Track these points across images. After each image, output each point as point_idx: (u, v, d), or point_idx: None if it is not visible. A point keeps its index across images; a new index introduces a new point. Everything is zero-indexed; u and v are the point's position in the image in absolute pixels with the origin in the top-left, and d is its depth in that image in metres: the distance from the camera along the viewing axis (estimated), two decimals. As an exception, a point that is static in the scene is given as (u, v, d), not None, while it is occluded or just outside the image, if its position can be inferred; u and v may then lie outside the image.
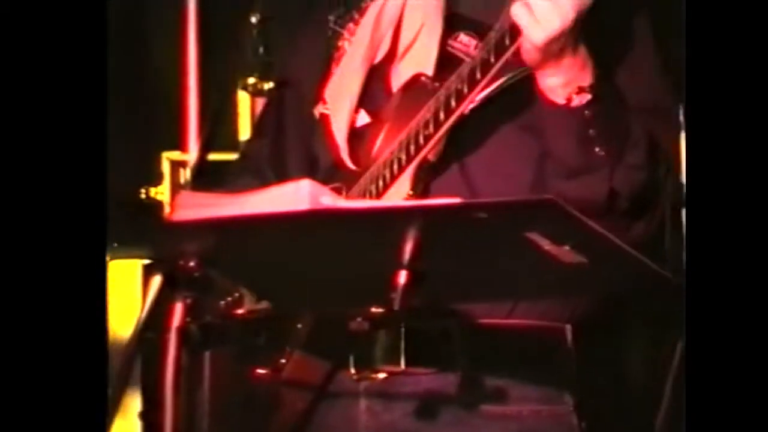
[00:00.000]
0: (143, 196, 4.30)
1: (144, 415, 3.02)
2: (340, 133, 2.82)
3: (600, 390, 2.92)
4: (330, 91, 2.87)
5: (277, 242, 2.33)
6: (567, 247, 2.20)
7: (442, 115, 2.62)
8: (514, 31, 2.53)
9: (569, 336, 2.77)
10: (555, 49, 2.53)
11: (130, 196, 4.25)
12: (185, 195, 2.50)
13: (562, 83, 2.58)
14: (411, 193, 2.65)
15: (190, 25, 2.34)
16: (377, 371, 2.71)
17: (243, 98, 4.49)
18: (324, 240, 2.30)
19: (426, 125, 2.64)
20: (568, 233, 2.19)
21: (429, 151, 2.65)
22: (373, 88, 2.83)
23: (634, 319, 3.58)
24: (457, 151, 2.70)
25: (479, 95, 2.62)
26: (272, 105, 3.08)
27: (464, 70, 2.61)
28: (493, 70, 2.58)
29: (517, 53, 2.55)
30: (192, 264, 2.27)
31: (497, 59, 2.56)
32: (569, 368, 2.79)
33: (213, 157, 2.54)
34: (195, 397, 2.36)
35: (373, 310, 2.25)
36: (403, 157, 2.67)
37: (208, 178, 2.51)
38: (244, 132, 4.48)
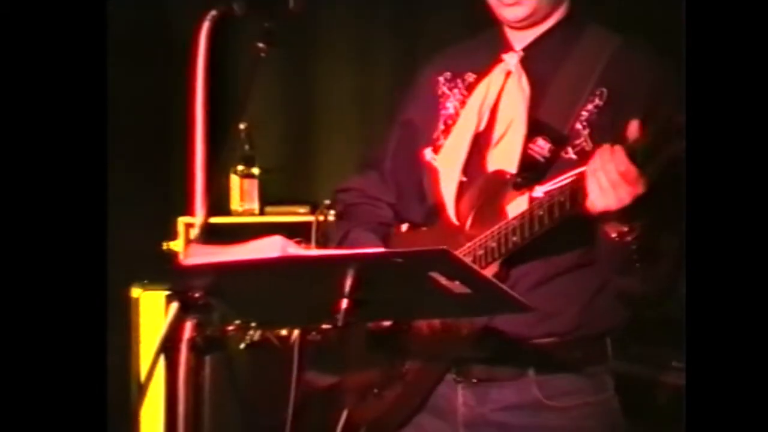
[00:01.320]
0: (165, 247, 4.34)
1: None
2: (448, 190, 2.64)
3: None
4: (444, 151, 2.68)
5: (257, 279, 2.38)
6: (457, 282, 2.23)
7: (527, 232, 2.47)
8: (579, 194, 2.37)
9: (608, 344, 2.65)
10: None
11: (156, 248, 4.34)
12: (194, 247, 2.50)
13: (617, 226, 2.41)
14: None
15: (198, 128, 2.45)
16: None
17: (234, 179, 4.59)
18: (289, 277, 2.36)
19: (514, 232, 2.48)
20: (456, 273, 2.22)
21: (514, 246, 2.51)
22: (473, 162, 2.64)
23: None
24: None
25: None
26: (391, 143, 2.87)
27: (549, 204, 2.43)
28: (557, 214, 2.43)
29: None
30: (198, 294, 2.31)
31: (560, 213, 2.42)
32: (608, 367, 2.66)
33: (213, 220, 2.55)
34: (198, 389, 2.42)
35: (324, 326, 2.37)
36: (495, 246, 2.52)
37: (209, 235, 2.49)
38: (235, 203, 4.59)
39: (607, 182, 2.31)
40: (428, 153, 2.72)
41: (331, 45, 4.95)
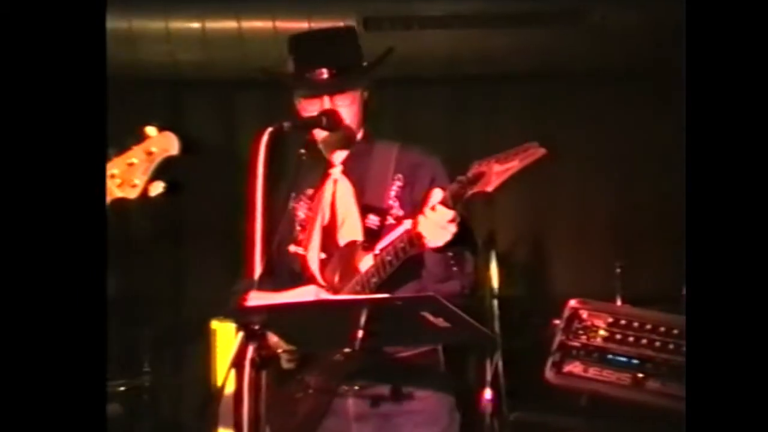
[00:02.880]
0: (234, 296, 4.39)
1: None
2: (314, 265, 2.74)
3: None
4: (304, 243, 2.77)
5: (298, 316, 2.39)
6: (441, 319, 2.24)
7: (382, 273, 2.53)
8: (416, 239, 2.45)
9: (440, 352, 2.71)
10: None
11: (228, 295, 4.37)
12: (255, 293, 2.47)
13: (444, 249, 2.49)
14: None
15: (258, 209, 2.45)
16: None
17: None
18: (320, 315, 2.37)
19: (373, 275, 2.55)
20: (440, 312, 2.24)
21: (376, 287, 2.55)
22: (327, 243, 2.73)
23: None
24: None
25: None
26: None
27: (394, 250, 2.51)
28: (402, 256, 2.50)
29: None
30: (257, 327, 2.30)
31: (404, 254, 2.50)
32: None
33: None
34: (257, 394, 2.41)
35: (345, 350, 2.36)
36: (359, 289, 2.57)
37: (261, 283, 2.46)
38: None
39: (437, 227, 2.42)
40: (293, 247, 2.78)
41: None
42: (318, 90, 2.69)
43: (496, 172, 2.33)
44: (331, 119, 2.68)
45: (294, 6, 4.52)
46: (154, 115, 4.73)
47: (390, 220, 2.66)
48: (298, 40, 2.83)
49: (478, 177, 2.35)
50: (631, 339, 3.31)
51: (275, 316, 2.35)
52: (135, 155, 2.46)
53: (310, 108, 2.71)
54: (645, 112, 4.88)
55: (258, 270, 2.44)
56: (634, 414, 3.31)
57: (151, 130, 2.46)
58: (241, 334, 2.31)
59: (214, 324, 4.32)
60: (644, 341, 3.29)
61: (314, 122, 2.67)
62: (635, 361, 3.30)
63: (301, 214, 2.81)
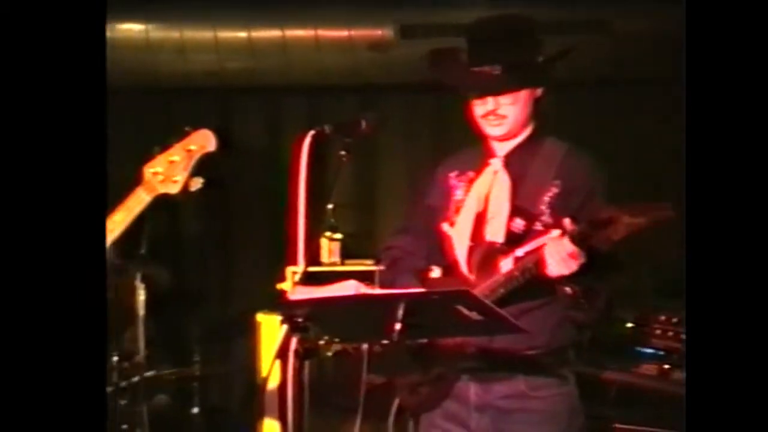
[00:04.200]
0: (278, 287, 4.23)
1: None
2: (461, 251, 2.60)
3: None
4: (457, 225, 2.62)
5: (339, 309, 2.37)
6: (475, 312, 2.25)
7: (509, 286, 2.45)
8: (540, 262, 2.36)
9: (570, 353, 2.61)
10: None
11: (273, 287, 4.24)
12: (297, 287, 2.51)
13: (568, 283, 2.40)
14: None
15: (300, 208, 2.45)
16: None
17: (324, 241, 4.57)
18: (360, 308, 2.37)
19: (500, 285, 2.46)
20: (474, 306, 2.24)
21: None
22: (476, 233, 2.59)
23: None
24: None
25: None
26: (420, 216, 2.77)
27: (521, 269, 2.43)
28: (528, 275, 2.40)
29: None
30: (300, 319, 2.30)
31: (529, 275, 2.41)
32: (570, 369, 2.61)
33: (309, 269, 2.54)
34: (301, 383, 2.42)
35: (384, 342, 2.33)
36: (487, 293, 2.44)
37: (307, 279, 2.49)
38: (324, 257, 4.54)
39: (560, 259, 2.34)
40: (445, 226, 2.66)
41: (388, 153, 4.96)
42: (486, 90, 2.54)
43: (625, 224, 2.21)
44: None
45: (334, 15, 4.52)
46: (203, 121, 4.79)
47: (538, 227, 2.52)
48: (472, 32, 2.59)
49: (608, 223, 2.23)
50: (658, 332, 3.29)
51: (317, 309, 2.34)
52: (175, 153, 2.51)
53: (476, 102, 2.58)
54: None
55: (301, 266, 2.45)
56: (661, 403, 3.30)
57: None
58: (284, 326, 2.31)
59: (260, 317, 4.36)
60: (670, 334, 3.26)
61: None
62: (661, 353, 3.28)
63: (459, 194, 2.67)
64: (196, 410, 4.29)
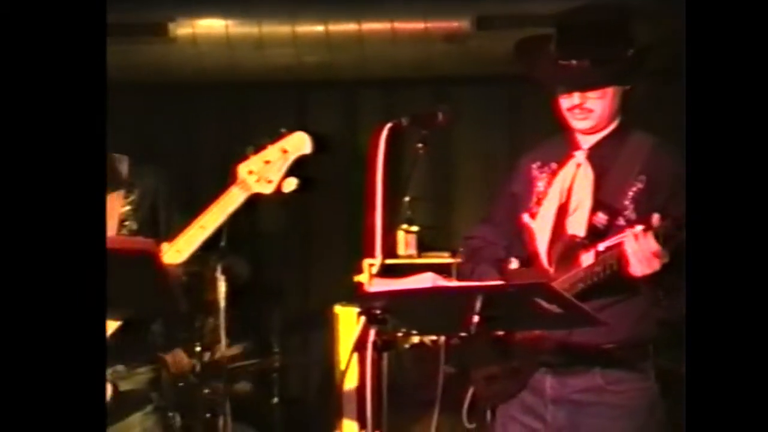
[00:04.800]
0: (355, 279, 4.24)
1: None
2: (542, 244, 2.57)
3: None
4: (538, 217, 2.60)
5: (416, 301, 2.38)
6: (554, 305, 2.22)
7: (588, 281, 2.43)
8: (621, 258, 2.32)
9: (651, 348, 2.54)
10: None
11: (350, 280, 4.26)
12: (375, 279, 2.48)
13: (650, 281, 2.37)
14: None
15: (378, 201, 2.42)
16: None
17: (401, 234, 4.60)
18: (438, 300, 2.36)
19: (580, 280, 2.44)
20: (554, 299, 2.22)
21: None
22: (557, 226, 2.56)
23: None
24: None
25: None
26: (501, 206, 2.76)
27: (602, 265, 2.40)
28: (609, 271, 2.38)
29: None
30: (378, 312, 2.31)
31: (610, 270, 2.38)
32: (651, 363, 2.54)
33: (386, 261, 2.49)
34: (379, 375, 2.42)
35: (461, 334, 2.32)
36: (566, 287, 2.41)
37: (384, 271, 2.46)
38: (401, 250, 4.56)
39: (643, 257, 2.31)
40: (526, 217, 2.64)
41: (464, 145, 4.93)
42: (573, 86, 2.50)
43: None
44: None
45: (411, 8, 4.51)
46: (281, 114, 4.85)
47: (620, 222, 2.48)
48: (562, 23, 2.54)
49: None
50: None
51: (395, 301, 2.34)
52: (270, 154, 2.51)
53: (564, 95, 2.54)
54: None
55: (378, 258, 2.44)
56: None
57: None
58: (362, 319, 2.32)
59: (337, 309, 4.39)
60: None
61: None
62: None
63: (541, 185, 2.64)
64: (276, 400, 4.34)
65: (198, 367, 3.92)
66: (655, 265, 2.31)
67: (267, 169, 2.51)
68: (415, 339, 3.55)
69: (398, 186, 2.78)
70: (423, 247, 4.69)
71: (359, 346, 2.34)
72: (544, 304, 2.21)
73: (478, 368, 2.63)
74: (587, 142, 2.60)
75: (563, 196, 2.58)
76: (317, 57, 4.62)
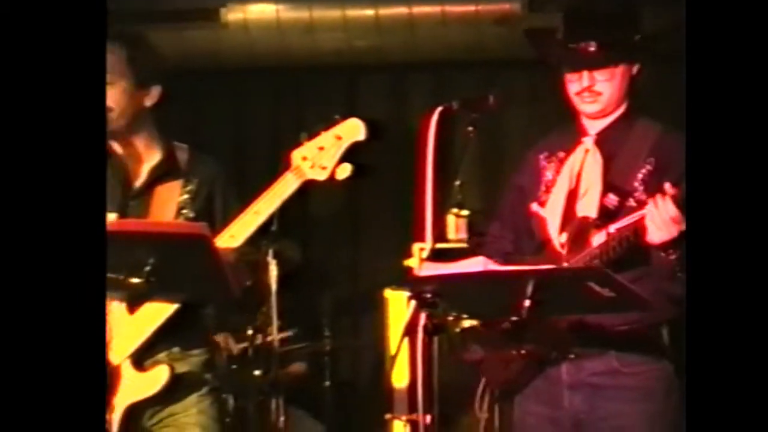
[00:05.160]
0: (405, 264, 4.29)
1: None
2: (553, 230, 2.58)
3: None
4: (548, 204, 2.62)
5: (467, 285, 2.39)
6: (607, 289, 2.22)
7: (605, 257, 2.41)
8: (640, 230, 2.33)
9: (665, 329, 2.53)
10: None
11: (400, 264, 4.30)
12: (425, 263, 2.50)
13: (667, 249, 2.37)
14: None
15: (428, 184, 2.44)
16: None
17: (451, 218, 4.55)
18: (489, 284, 2.38)
19: (595, 257, 2.44)
20: (607, 283, 2.21)
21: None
22: (567, 211, 2.58)
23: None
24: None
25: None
26: (508, 200, 2.79)
27: (619, 238, 2.40)
28: (626, 245, 2.39)
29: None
30: (429, 295, 2.32)
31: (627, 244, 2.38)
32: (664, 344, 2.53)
33: (437, 246, 2.52)
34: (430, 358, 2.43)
35: (513, 318, 2.30)
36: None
37: (434, 255, 2.49)
38: (451, 234, 4.49)
39: (662, 223, 2.31)
40: (535, 206, 2.66)
41: (514, 129, 4.91)
42: (581, 65, 2.54)
43: None
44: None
45: (461, -9, 4.50)
46: (332, 99, 4.87)
47: (631, 203, 2.51)
48: (571, 9, 2.60)
49: None
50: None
51: (446, 285, 2.34)
52: (324, 140, 2.53)
53: (572, 79, 2.58)
54: None
55: (429, 242, 2.44)
56: None
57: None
58: (413, 302, 2.32)
59: (387, 293, 4.40)
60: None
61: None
62: None
63: (549, 174, 2.67)
64: (327, 383, 4.37)
65: (250, 351, 3.96)
66: (674, 232, 2.30)
67: (321, 156, 2.52)
68: (467, 323, 3.55)
69: (449, 170, 2.80)
70: (473, 231, 4.67)
71: (410, 330, 2.35)
72: (597, 287, 2.20)
73: (495, 353, 2.62)
74: (595, 127, 2.63)
75: (572, 182, 2.60)
76: (367, 41, 4.62)
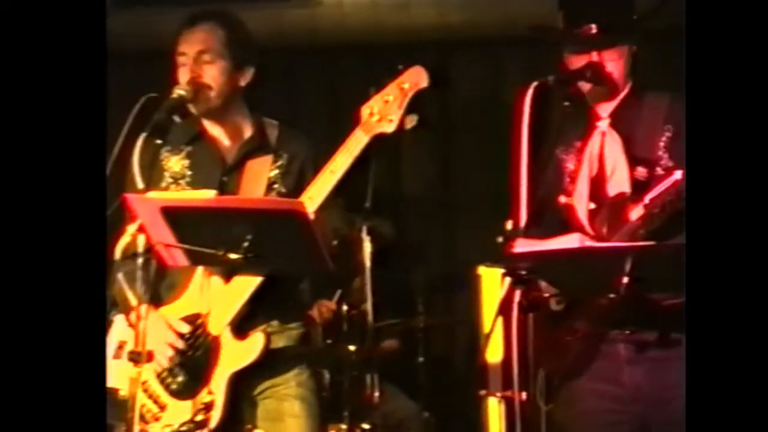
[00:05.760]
0: (499, 240, 4.42)
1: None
2: (582, 215, 2.64)
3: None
4: (575, 193, 2.67)
5: (563, 262, 2.39)
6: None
7: (649, 225, 2.41)
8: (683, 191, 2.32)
9: None
10: None
11: (493, 241, 4.41)
12: (519, 241, 2.44)
13: None
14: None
15: (523, 160, 2.42)
16: None
17: None
18: (585, 261, 2.38)
19: (639, 228, 2.44)
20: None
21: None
22: (596, 193, 2.64)
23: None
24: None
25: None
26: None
27: (661, 203, 2.41)
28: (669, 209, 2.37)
29: None
30: (523, 272, 2.33)
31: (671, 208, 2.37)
32: None
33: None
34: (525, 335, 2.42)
35: (611, 296, 2.31)
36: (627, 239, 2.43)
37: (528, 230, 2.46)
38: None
39: None
40: (562, 199, 2.69)
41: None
42: (586, 47, 2.63)
43: None
44: (595, 72, 2.62)
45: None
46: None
47: (659, 171, 2.56)
48: None
49: None
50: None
51: (541, 262, 2.34)
52: (390, 92, 2.54)
53: (576, 63, 2.65)
54: None
55: (523, 218, 2.44)
56: None
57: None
58: (507, 279, 2.32)
59: (481, 270, 4.39)
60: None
61: (578, 75, 2.62)
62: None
63: (570, 165, 2.73)
64: (421, 359, 4.40)
65: (345, 326, 4.01)
66: None
67: (387, 108, 2.53)
68: (563, 300, 3.52)
69: (544, 145, 2.77)
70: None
71: (504, 308, 2.35)
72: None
73: (546, 344, 2.58)
74: (606, 110, 2.69)
75: (594, 167, 2.65)
76: (461, 16, 4.59)
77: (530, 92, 2.46)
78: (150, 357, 2.46)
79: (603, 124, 2.69)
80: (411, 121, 2.52)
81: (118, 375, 2.58)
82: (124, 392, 2.53)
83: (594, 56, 2.62)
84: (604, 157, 2.65)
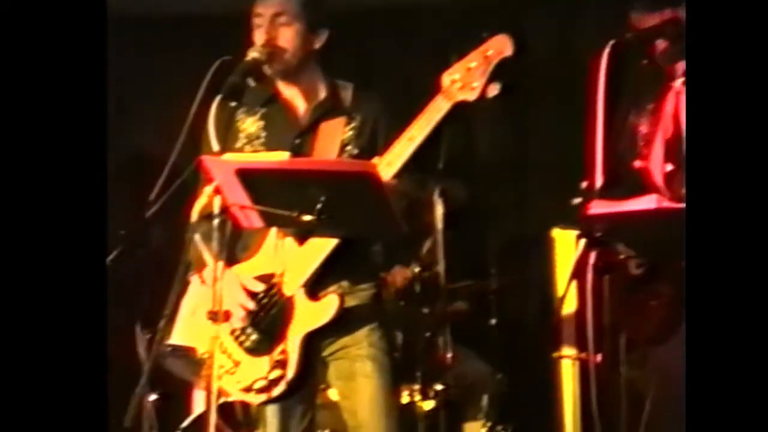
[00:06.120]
0: (574, 202, 4.35)
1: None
2: (658, 177, 2.62)
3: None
4: (652, 155, 2.66)
5: (640, 224, 2.36)
6: None
7: None
8: None
9: None
10: None
11: (568, 203, 4.36)
12: (595, 201, 2.44)
13: None
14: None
15: (599, 122, 2.42)
16: None
17: None
18: (662, 223, 2.33)
19: None
20: None
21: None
22: (672, 154, 2.63)
23: None
24: None
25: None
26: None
27: None
28: None
29: None
30: (599, 234, 2.32)
31: None
32: None
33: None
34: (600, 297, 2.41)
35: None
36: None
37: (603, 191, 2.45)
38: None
39: None
40: (638, 163, 2.66)
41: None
42: (660, 4, 2.60)
43: None
44: (673, 29, 2.55)
45: None
46: (492, 28, 4.76)
47: None
48: None
49: None
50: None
51: (617, 224, 2.33)
52: (473, 59, 2.52)
53: (647, 22, 2.61)
54: None
55: (599, 180, 2.41)
56: None
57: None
58: (582, 241, 2.31)
59: (554, 232, 4.34)
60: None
61: (656, 33, 2.57)
62: None
63: (644, 128, 2.71)
64: (493, 321, 4.38)
65: (417, 288, 4.01)
66: None
67: (470, 75, 2.50)
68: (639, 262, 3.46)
69: (620, 105, 2.73)
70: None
71: (579, 270, 2.34)
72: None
73: (629, 309, 2.57)
74: (680, 69, 2.65)
75: (669, 128, 2.61)
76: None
77: (606, 51, 2.43)
78: (227, 316, 2.49)
79: (678, 84, 2.65)
80: (494, 90, 2.49)
81: (193, 334, 2.63)
82: (201, 350, 2.57)
83: (667, 15, 2.57)
84: (679, 117, 2.62)
